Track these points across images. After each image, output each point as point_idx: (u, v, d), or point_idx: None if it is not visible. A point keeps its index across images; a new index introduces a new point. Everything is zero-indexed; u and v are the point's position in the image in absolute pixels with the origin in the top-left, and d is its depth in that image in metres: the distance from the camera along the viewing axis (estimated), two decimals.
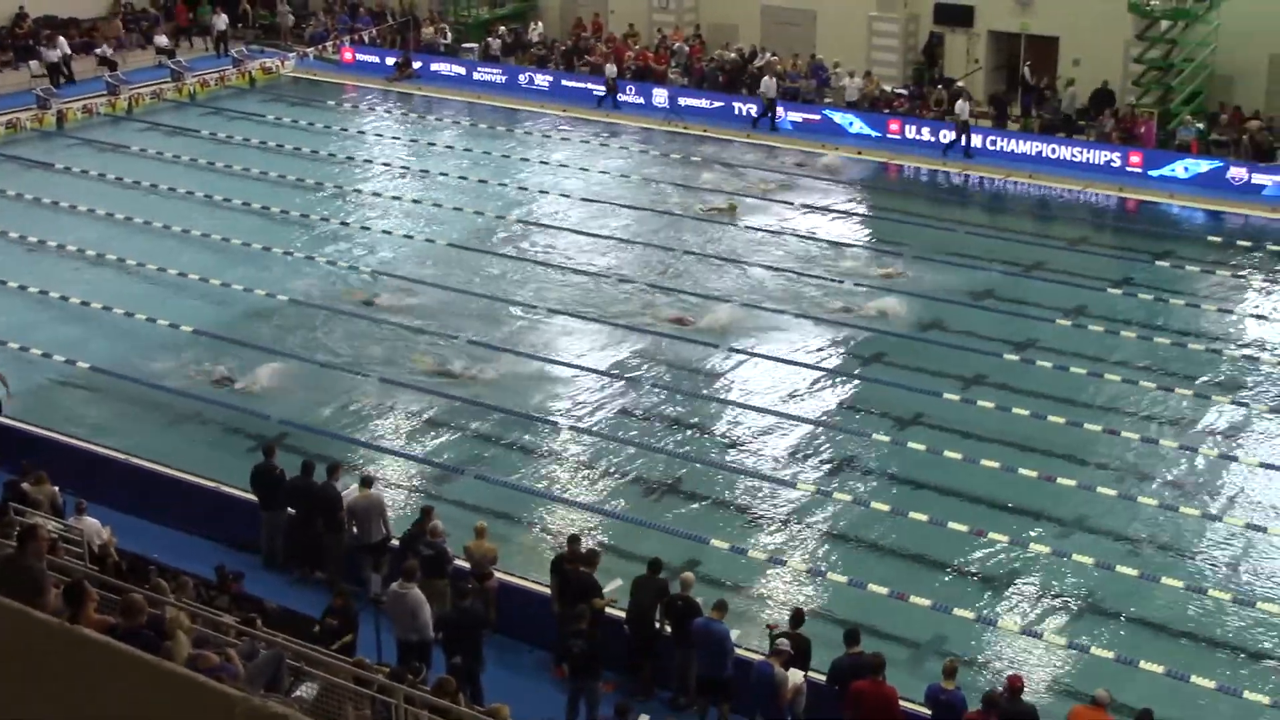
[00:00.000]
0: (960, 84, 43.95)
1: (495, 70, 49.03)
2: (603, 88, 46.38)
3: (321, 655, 14.64)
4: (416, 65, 49.79)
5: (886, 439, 25.01)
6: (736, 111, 44.60)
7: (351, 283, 31.79)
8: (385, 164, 41.10)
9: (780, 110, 43.49)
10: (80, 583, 11.99)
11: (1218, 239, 35.28)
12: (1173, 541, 21.99)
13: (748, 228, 35.37)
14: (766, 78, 43.66)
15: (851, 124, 43.07)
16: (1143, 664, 18.92)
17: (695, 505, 23.03)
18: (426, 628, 17.52)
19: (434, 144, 43.15)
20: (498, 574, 19.27)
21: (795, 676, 16.50)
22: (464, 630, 17.49)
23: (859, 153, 41.50)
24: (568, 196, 37.88)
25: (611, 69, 45.97)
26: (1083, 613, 20.21)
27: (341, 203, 37.50)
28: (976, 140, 41.21)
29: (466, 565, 19.22)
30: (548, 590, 18.90)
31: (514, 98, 47.34)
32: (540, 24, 51.79)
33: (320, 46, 51.61)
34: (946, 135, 41.44)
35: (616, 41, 48.97)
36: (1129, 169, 39.26)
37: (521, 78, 48.32)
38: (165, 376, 27.00)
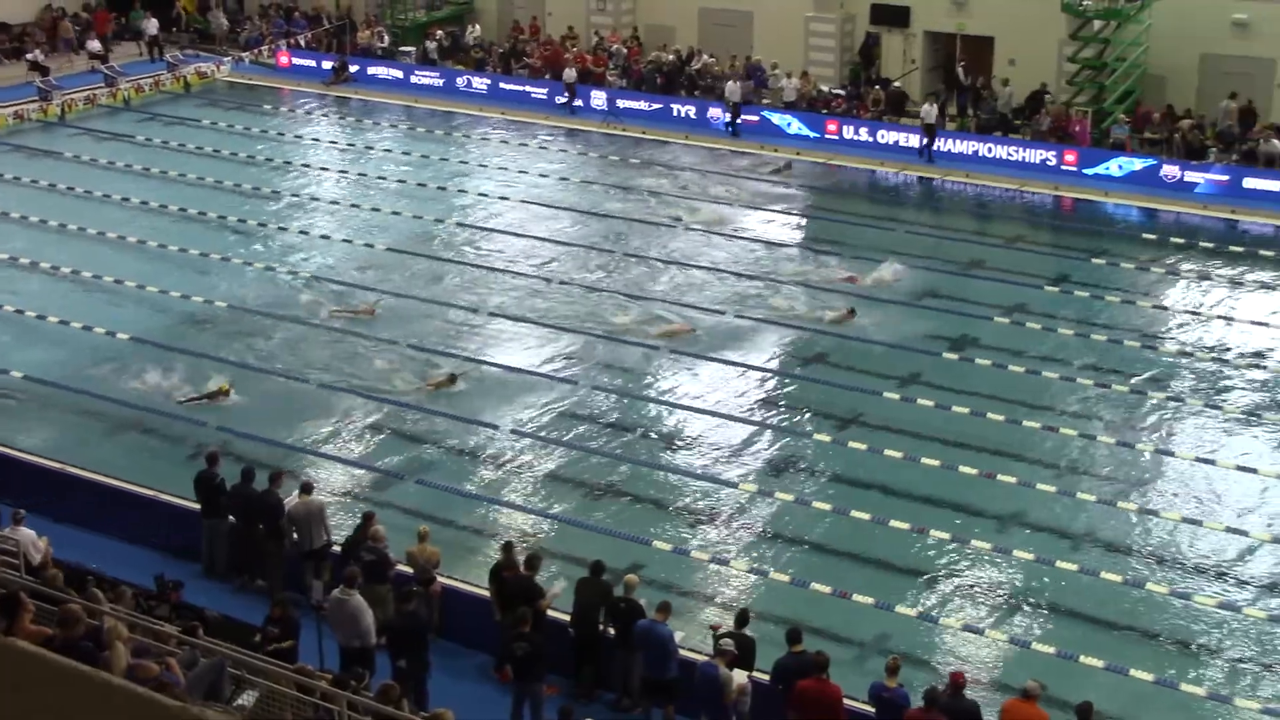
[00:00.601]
0: (896, 84, 44.23)
1: (433, 74, 48.87)
2: (544, 90, 46.42)
3: (263, 663, 14.54)
4: (353, 69, 49.53)
5: (827, 438, 25.10)
6: (675, 113, 44.65)
7: (318, 292, 31.49)
8: (323, 168, 40.89)
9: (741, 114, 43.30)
10: (15, 594, 11.88)
11: (1152, 236, 35.68)
12: (1111, 536, 22.19)
13: (688, 229, 35.42)
14: (731, 82, 43.50)
15: (789, 125, 43.22)
16: (1083, 658, 19.07)
17: (638, 507, 23.04)
18: (369, 634, 17.44)
19: (371, 148, 42.98)
20: (440, 578, 19.22)
21: (739, 677, 16.53)
22: (408, 635, 17.42)
23: (797, 153, 41.64)
24: (507, 199, 37.80)
25: (571, 73, 45.64)
26: (1023, 608, 20.36)
27: (279, 208, 37.27)
28: (913, 140, 41.47)
29: (409, 570, 19.15)
30: (487, 594, 18.86)
31: (452, 101, 47.20)
32: (478, 27, 51.65)
33: (256, 51, 51.26)
34: (884, 135, 41.73)
35: (554, 44, 48.91)
36: (1064, 167, 39.61)
37: (459, 81, 48.18)
38: (102, 385, 26.73)
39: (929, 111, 40.72)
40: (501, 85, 47.49)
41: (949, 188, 39.55)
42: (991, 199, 38.77)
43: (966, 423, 25.52)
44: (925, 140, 40.67)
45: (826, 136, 42.53)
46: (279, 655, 16.10)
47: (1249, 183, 37.48)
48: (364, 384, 26.89)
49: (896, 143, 41.73)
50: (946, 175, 39.85)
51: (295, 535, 19.91)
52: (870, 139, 41.98)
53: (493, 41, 50.80)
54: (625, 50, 48.08)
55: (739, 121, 43.22)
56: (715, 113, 44.05)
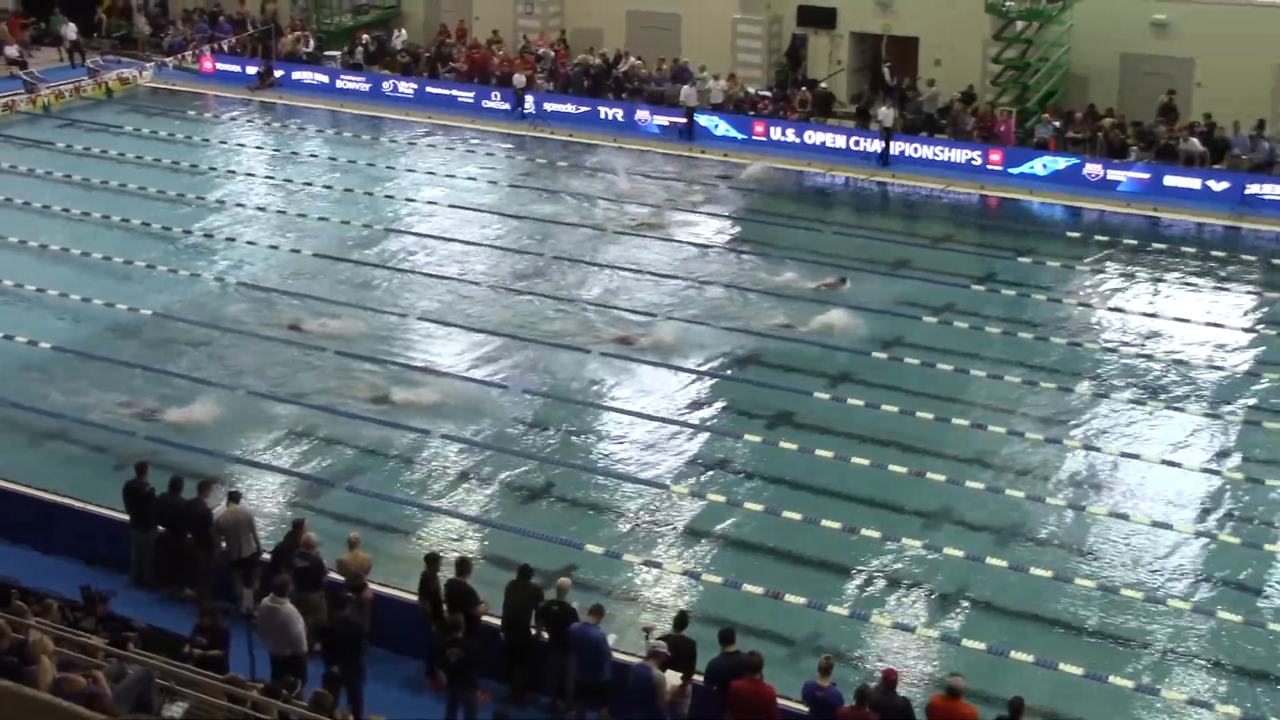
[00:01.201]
0: (823, 85, 44.44)
1: (359, 78, 48.59)
2: (471, 94, 46.34)
3: (192, 674, 14.41)
4: (279, 74, 49.20)
5: (758, 439, 25.18)
6: (602, 116, 44.62)
7: (245, 299, 31.24)
8: (249, 174, 40.58)
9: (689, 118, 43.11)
10: None
11: (1076, 234, 36.07)
12: (1039, 532, 22.39)
13: (616, 232, 35.43)
14: (686, 86, 43.32)
15: (717, 126, 43.33)
16: (1013, 653, 19.23)
17: (570, 511, 23.02)
18: (300, 642, 17.32)
19: (298, 153, 42.70)
20: (372, 585, 19.11)
21: (673, 678, 16.54)
22: (343, 641, 17.31)
23: (725, 155, 41.76)
24: (435, 204, 37.67)
25: (520, 79, 45.22)
26: (954, 604, 20.51)
27: (205, 214, 36.90)
28: (840, 141, 41.71)
29: (341, 578, 19.03)
30: (415, 599, 18.78)
31: (378, 105, 46.97)
32: (404, 31, 51.41)
33: (179, 56, 50.81)
34: (811, 136, 41.95)
35: (481, 48, 48.77)
36: (989, 167, 39.94)
37: (386, 85, 47.92)
38: (25, 395, 26.37)
39: (886, 115, 40.46)
40: (428, 89, 47.31)
41: (876, 188, 39.74)
42: (918, 199, 39.04)
43: (896, 421, 25.67)
44: (884, 145, 40.43)
45: (754, 138, 42.65)
46: (208, 665, 15.96)
47: (1170, 180, 37.94)
48: (292, 391, 26.69)
49: (823, 144, 41.91)
50: (874, 176, 40.07)
51: (224, 544, 19.75)
52: (797, 140, 42.14)
53: (419, 45, 50.58)
54: (553, 53, 48.00)
55: (690, 126, 42.95)
56: (643, 115, 44.08)
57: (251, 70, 49.46)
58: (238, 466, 24.16)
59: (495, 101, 46.12)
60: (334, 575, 19.10)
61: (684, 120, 43.16)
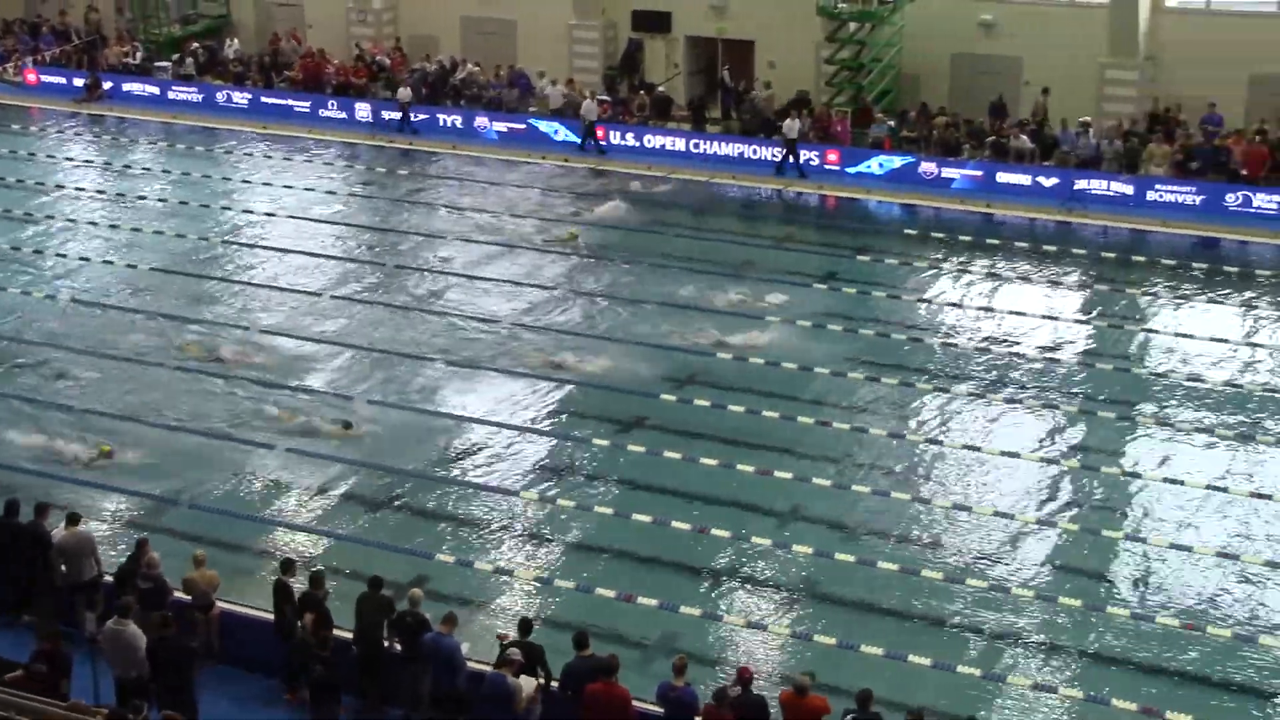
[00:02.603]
0: (660, 89, 44.65)
1: (191, 89, 47.78)
2: (307, 103, 45.80)
3: (31, 702, 14.03)
4: (107, 85, 48.15)
5: (606, 442, 25.21)
6: (441, 123, 44.35)
7: (79, 315, 30.46)
8: (79, 188, 39.63)
9: (600, 131, 42.63)
10: None
11: (913, 232, 36.71)
12: (886, 526, 22.69)
13: (458, 240, 35.25)
14: (587, 100, 42.89)
15: (556, 132, 43.32)
16: (863, 646, 19.48)
17: (419, 520, 22.83)
18: (145, 664, 16.94)
19: (130, 166, 41.83)
20: (221, 603, 18.78)
21: (528, 685, 16.50)
22: (167, 663, 16.89)
23: (565, 160, 41.77)
24: (273, 215, 37.16)
25: (406, 92, 44.41)
26: (805, 601, 20.71)
27: (34, 230, 35.95)
28: (679, 144, 41.95)
29: (187, 597, 18.67)
30: (270, 616, 18.49)
31: (212, 116, 46.25)
32: (236, 40, 50.63)
33: (1, 68, 49.47)
34: (652, 140, 42.13)
35: (314, 56, 48.18)
36: (827, 166, 40.44)
37: (219, 96, 47.21)
38: None
39: (791, 126, 40.16)
40: (263, 99, 46.67)
41: (715, 190, 40.01)
42: (758, 200, 39.41)
43: (742, 421, 25.87)
44: (786, 155, 40.14)
45: (595, 142, 42.68)
46: (47, 691, 15.54)
47: (1002, 177, 38.79)
48: (130, 408, 26.13)
49: (663, 146, 42.13)
50: (713, 177, 40.35)
51: (64, 568, 19.23)
52: (637, 144, 42.30)
53: (252, 55, 49.83)
54: (389, 61, 47.59)
55: (597, 140, 42.42)
56: (482, 121, 43.92)
57: (78, 82, 48.34)
58: (74, 486, 23.53)
59: (331, 110, 45.63)
60: (180, 595, 18.73)
61: (585, 134, 42.55)
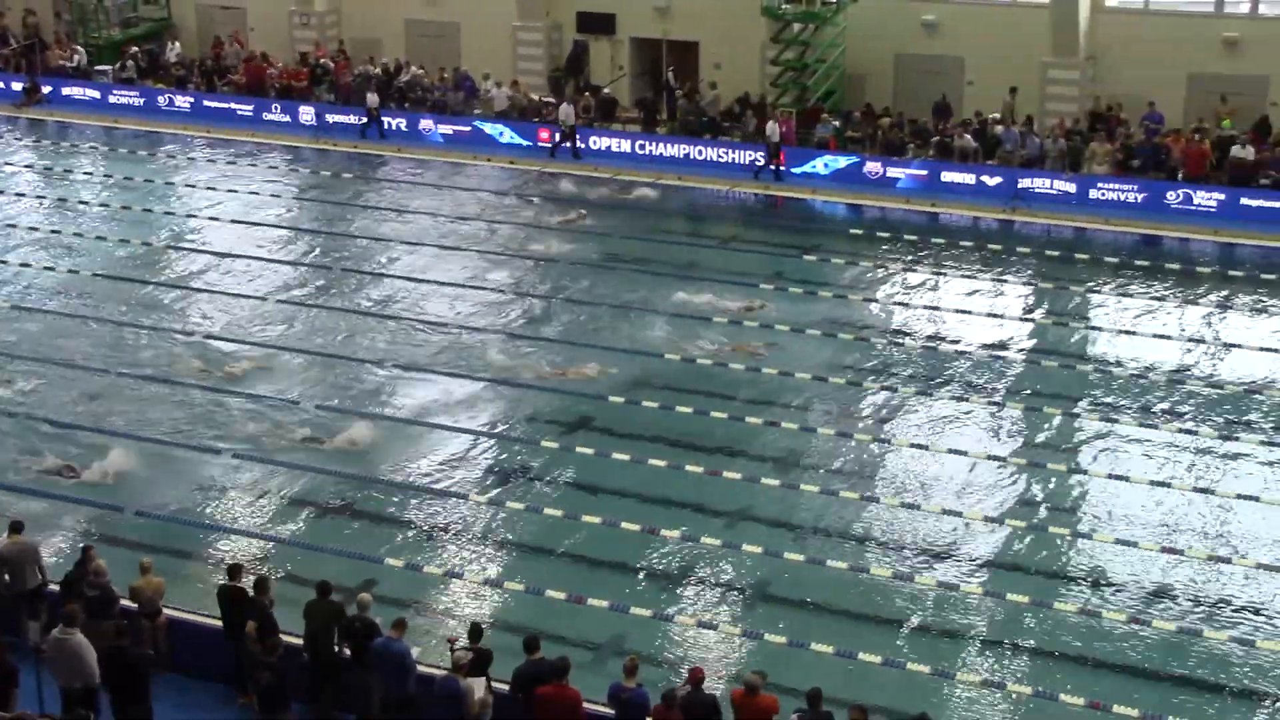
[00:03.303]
0: (606, 90, 44.65)
1: (132, 93, 47.40)
2: (250, 107, 45.51)
3: None
4: (46, 90, 47.69)
5: (555, 445, 25.17)
6: (386, 126, 44.14)
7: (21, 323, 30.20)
8: (19, 194, 39.25)
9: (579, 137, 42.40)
10: None
11: (859, 231, 36.85)
12: (835, 525, 22.78)
13: (405, 243, 35.15)
14: (565, 104, 42.61)
15: (502, 134, 43.24)
16: (813, 645, 19.53)
17: (367, 525, 22.72)
18: (92, 674, 16.76)
19: (70, 171, 41.45)
20: (167, 610, 18.62)
21: (479, 686, 16.45)
22: (122, 671, 16.75)
23: (511, 162, 41.71)
24: (217, 219, 36.91)
25: (374, 98, 43.97)
26: (755, 601, 20.75)
27: None
28: (625, 145, 41.96)
29: (134, 605, 18.49)
30: (219, 623, 18.35)
31: (154, 120, 45.91)
32: (178, 44, 50.25)
33: None
34: (599, 141, 42.10)
35: (256, 59, 47.89)
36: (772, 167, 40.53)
37: (161, 99, 46.86)
38: None
39: (773, 129, 40.03)
40: (205, 103, 46.36)
41: (661, 191, 39.99)
42: (704, 200, 39.47)
43: (691, 422, 25.89)
44: (768, 159, 40.01)
45: (539, 144, 42.67)
46: None
47: (946, 176, 39.02)
48: (75, 415, 25.88)
49: (609, 148, 42.12)
50: (659, 178, 40.36)
51: (8, 577, 19.01)
52: (582, 145, 42.25)
53: (194, 59, 49.46)
54: (332, 64, 47.36)
55: (574, 144, 42.04)
56: (427, 124, 43.80)
57: (17, 86, 47.85)
58: (15, 496, 23.25)
59: (275, 114, 45.37)
60: (127, 603, 18.55)
61: (561, 138, 42.24)
